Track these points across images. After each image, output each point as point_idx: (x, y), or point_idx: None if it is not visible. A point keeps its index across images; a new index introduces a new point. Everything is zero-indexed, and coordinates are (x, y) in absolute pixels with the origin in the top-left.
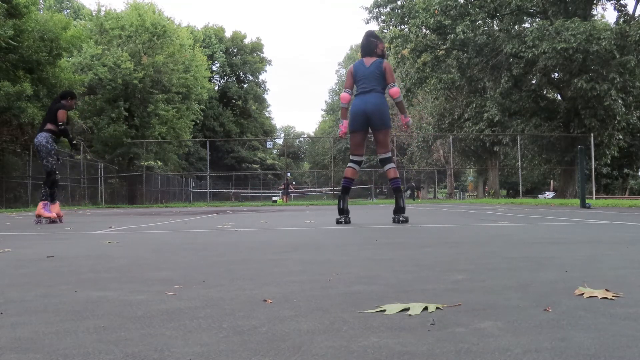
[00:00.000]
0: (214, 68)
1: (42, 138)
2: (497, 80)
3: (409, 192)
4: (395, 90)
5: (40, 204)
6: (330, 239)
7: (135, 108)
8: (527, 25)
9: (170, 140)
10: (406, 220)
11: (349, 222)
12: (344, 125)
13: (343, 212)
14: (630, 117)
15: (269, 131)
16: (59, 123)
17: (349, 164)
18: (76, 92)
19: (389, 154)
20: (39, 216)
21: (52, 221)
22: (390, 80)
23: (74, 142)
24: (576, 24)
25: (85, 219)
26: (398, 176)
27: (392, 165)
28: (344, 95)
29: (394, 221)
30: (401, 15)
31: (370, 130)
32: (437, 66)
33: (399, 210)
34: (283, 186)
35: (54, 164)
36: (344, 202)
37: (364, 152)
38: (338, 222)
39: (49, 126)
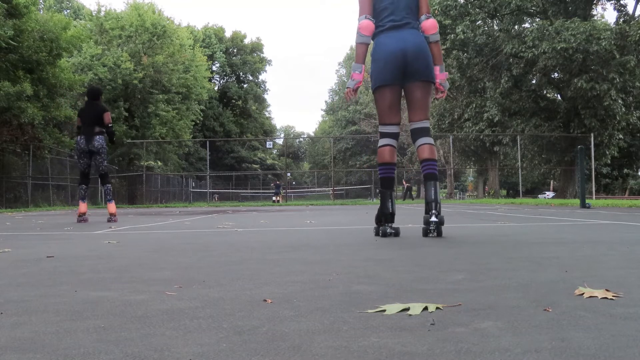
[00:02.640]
0: (214, 68)
1: (102, 141)
2: (497, 80)
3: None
4: (432, 22)
5: (112, 204)
6: (330, 239)
7: (136, 108)
8: (527, 25)
9: (170, 141)
10: (439, 231)
11: (399, 234)
12: (360, 74)
13: (392, 217)
14: (630, 117)
15: (269, 131)
16: (109, 124)
17: (383, 141)
18: (76, 92)
19: (428, 123)
20: (112, 214)
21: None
22: (425, 9)
23: (115, 139)
24: (576, 24)
25: None
26: (435, 157)
27: (430, 140)
28: (366, 23)
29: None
30: None
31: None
32: None
33: (431, 211)
34: (273, 184)
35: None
36: (393, 202)
37: (400, 119)
38: (385, 234)
39: (98, 129)
